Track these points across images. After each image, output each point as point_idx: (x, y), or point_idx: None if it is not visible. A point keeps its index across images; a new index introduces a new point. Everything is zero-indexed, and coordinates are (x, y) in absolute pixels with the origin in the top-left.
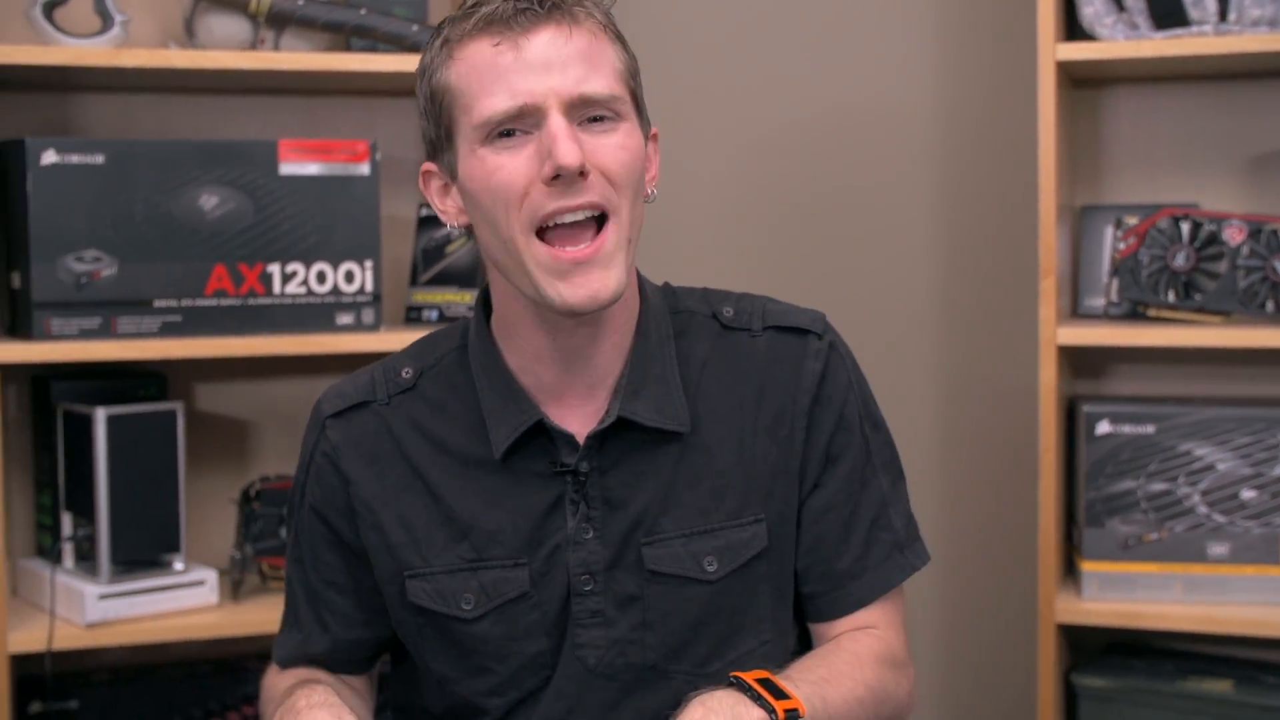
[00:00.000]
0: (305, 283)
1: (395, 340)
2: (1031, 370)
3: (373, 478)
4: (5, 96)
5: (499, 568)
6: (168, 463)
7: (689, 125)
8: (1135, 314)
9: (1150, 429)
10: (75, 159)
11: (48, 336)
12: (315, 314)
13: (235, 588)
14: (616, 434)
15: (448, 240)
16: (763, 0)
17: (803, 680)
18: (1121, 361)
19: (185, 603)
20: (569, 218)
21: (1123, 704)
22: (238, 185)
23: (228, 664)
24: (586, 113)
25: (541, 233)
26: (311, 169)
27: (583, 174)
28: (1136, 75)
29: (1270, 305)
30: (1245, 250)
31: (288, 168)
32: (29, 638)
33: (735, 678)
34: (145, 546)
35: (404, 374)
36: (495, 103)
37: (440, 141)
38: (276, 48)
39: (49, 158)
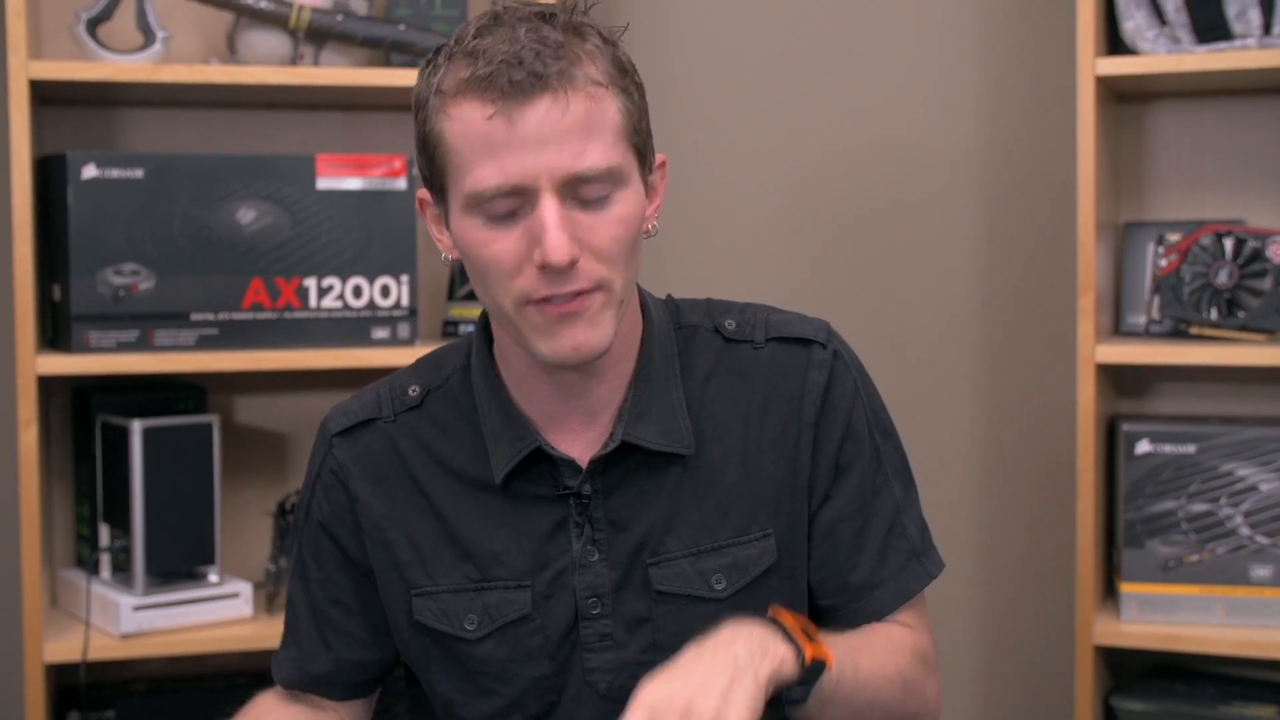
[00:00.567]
0: (341, 297)
1: None
2: (1071, 388)
3: (380, 496)
4: (50, 111)
5: (501, 589)
6: (203, 475)
7: (738, 152)
8: (1177, 332)
9: (1191, 448)
10: (115, 173)
11: (86, 349)
12: (351, 328)
13: (270, 600)
14: (620, 457)
15: None
16: (804, 17)
17: (838, 642)
18: (1165, 380)
19: (220, 615)
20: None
21: None
22: (275, 199)
23: (264, 676)
24: (581, 190)
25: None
26: (348, 184)
27: (573, 264)
28: (1181, 90)
29: None
30: None
31: (325, 182)
32: (65, 648)
33: (774, 617)
34: (180, 558)
35: (410, 392)
36: (486, 176)
37: (434, 183)
38: (316, 63)
39: (89, 172)
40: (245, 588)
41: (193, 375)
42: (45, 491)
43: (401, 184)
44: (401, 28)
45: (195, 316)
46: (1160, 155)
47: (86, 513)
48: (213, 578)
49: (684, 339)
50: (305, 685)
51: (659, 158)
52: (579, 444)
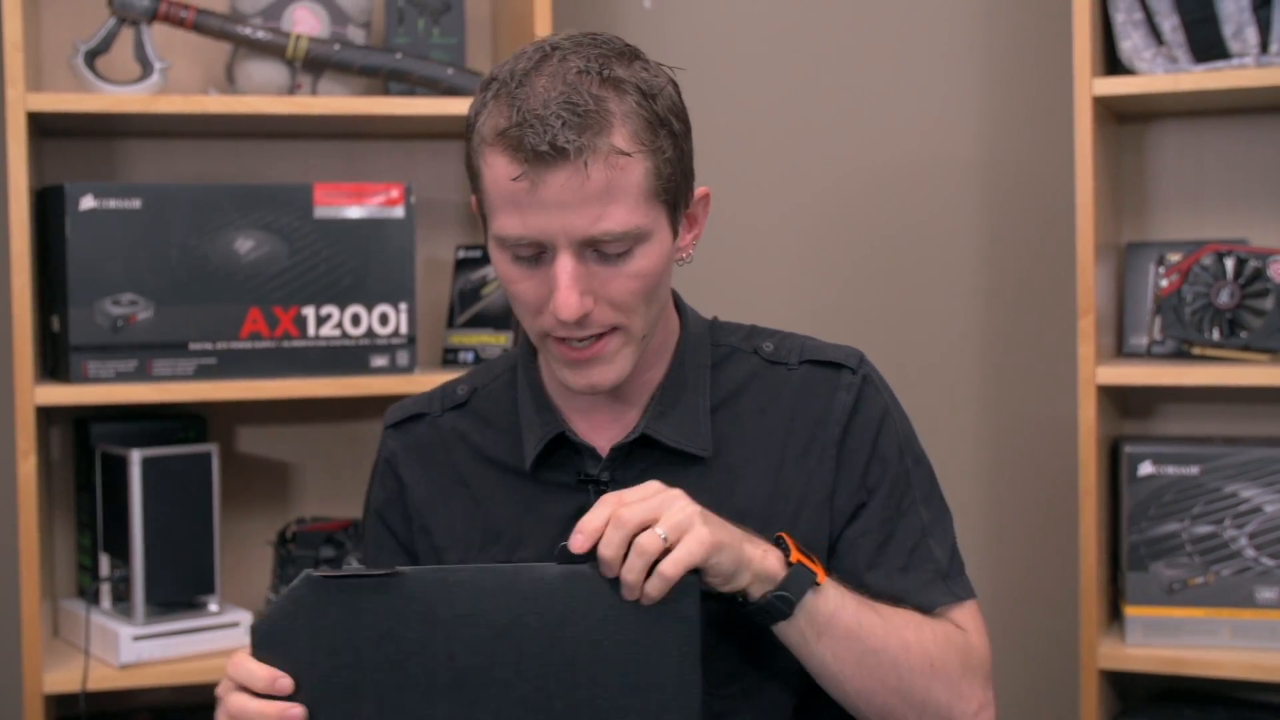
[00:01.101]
0: (340, 325)
1: (430, 382)
2: (1072, 410)
3: (425, 483)
4: (50, 143)
5: None
6: (203, 505)
7: (739, 176)
8: (1180, 352)
9: (1194, 470)
10: (113, 204)
11: (84, 379)
12: (350, 356)
13: None
14: (640, 451)
15: (484, 283)
16: (805, 39)
17: (843, 587)
18: (1168, 401)
19: (220, 644)
20: None
21: None
22: (273, 229)
23: None
24: (600, 246)
25: None
26: (346, 212)
27: (586, 314)
28: (1182, 110)
29: None
30: None
31: (322, 211)
32: (64, 678)
33: (779, 536)
34: (180, 588)
35: (460, 391)
36: (511, 225)
37: (479, 202)
38: (314, 92)
39: (87, 203)
40: (245, 617)
41: (191, 405)
42: (46, 522)
43: (399, 212)
44: (398, 56)
45: (194, 346)
46: (1162, 175)
47: (87, 543)
48: (213, 607)
49: (721, 355)
50: None
51: (700, 191)
52: (604, 435)
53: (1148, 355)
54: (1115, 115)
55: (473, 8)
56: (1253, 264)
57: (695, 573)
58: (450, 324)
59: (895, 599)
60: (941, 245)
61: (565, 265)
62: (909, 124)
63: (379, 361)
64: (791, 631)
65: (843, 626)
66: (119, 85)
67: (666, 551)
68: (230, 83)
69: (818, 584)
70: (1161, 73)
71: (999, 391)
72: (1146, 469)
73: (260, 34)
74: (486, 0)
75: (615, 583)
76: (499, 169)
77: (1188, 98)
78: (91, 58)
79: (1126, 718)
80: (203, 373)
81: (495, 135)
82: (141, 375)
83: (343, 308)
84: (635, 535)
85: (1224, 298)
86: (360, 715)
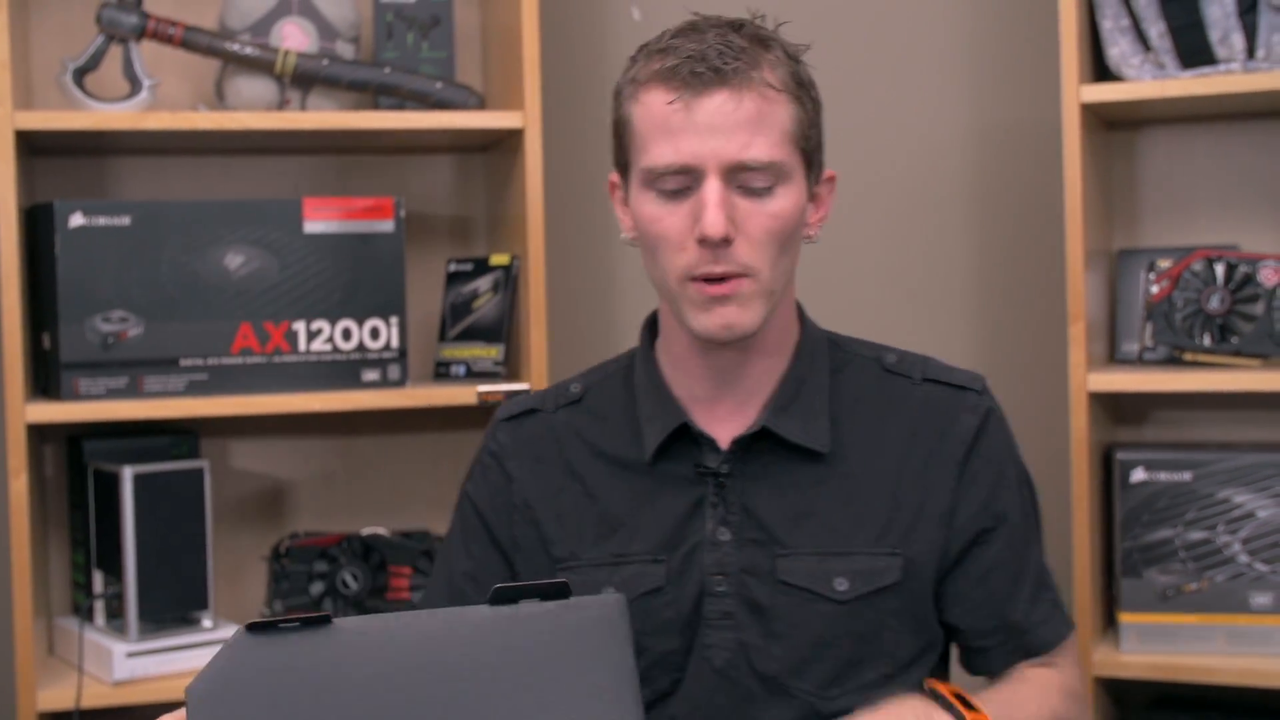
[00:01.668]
0: (330, 340)
1: (422, 397)
2: (1064, 417)
3: (535, 476)
4: (41, 161)
5: (639, 563)
6: (195, 521)
7: None
8: (1171, 359)
9: (1187, 476)
10: (102, 221)
11: (75, 396)
12: (341, 371)
13: None
14: (760, 445)
15: (475, 295)
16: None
17: (990, 700)
18: (1159, 407)
19: None
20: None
21: None
22: (262, 244)
23: None
24: (744, 178)
25: None
26: (336, 227)
27: (728, 241)
28: (1171, 116)
29: None
30: None
31: (312, 226)
32: (58, 695)
33: (929, 687)
34: (173, 604)
35: (573, 389)
36: (661, 154)
37: (621, 162)
38: (303, 107)
39: (76, 220)
40: None
41: (183, 421)
42: (40, 540)
43: (389, 226)
44: (387, 71)
45: (184, 362)
46: (1152, 181)
47: (81, 560)
48: (206, 623)
49: (841, 361)
50: None
51: (828, 173)
52: (725, 428)
53: (1139, 362)
54: (1105, 122)
55: (462, 22)
56: (1243, 269)
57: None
58: (442, 337)
59: (1023, 632)
60: (932, 252)
61: (713, 186)
62: (898, 131)
63: (370, 376)
64: None
65: None
66: (108, 103)
67: None
68: (219, 99)
69: None
70: (1149, 79)
71: None
72: (1139, 475)
73: (249, 50)
74: (475, 14)
75: (547, 622)
76: (653, 101)
77: (1176, 104)
78: (80, 75)
79: None
80: (194, 389)
81: (651, 74)
82: (133, 392)
83: (333, 322)
84: None
85: (1215, 303)
86: None
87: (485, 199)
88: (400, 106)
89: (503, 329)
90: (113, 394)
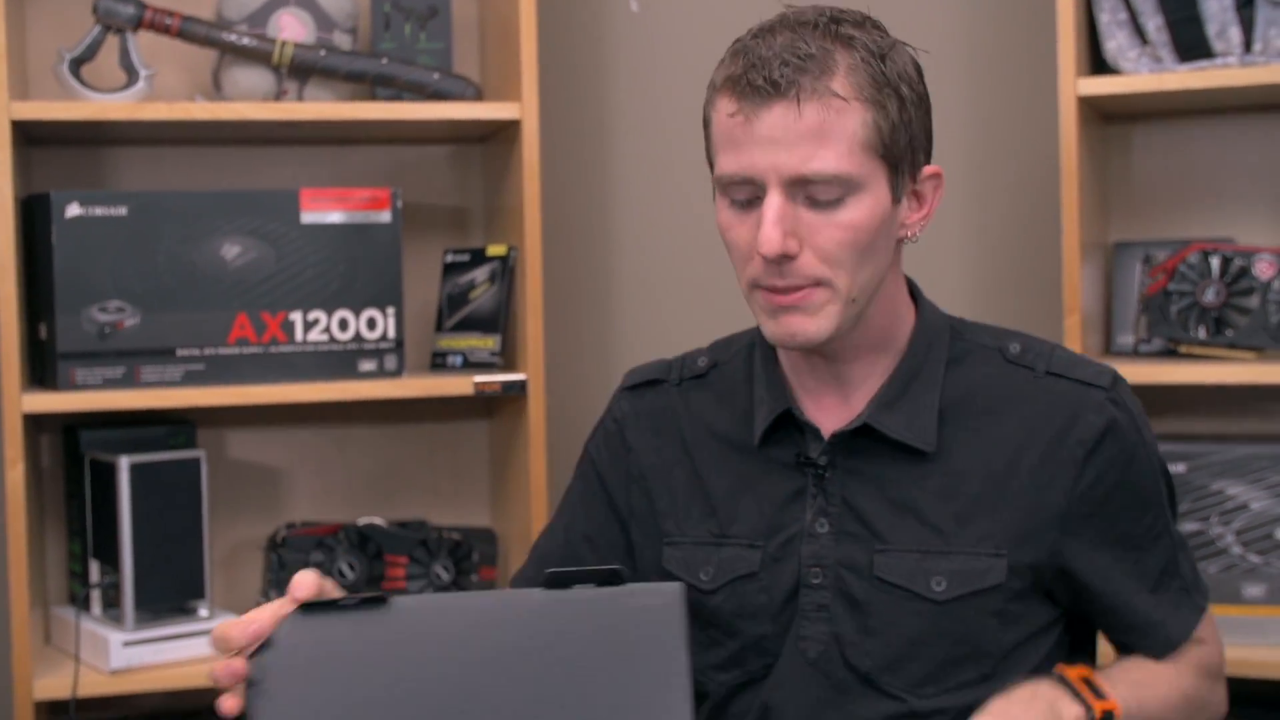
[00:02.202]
0: (327, 330)
1: (418, 387)
2: None
3: (653, 449)
4: (38, 151)
5: (737, 546)
6: (192, 510)
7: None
8: (1166, 351)
9: (1182, 468)
10: (99, 211)
11: (72, 386)
12: (337, 361)
13: None
14: (863, 440)
15: (472, 286)
16: None
17: (1120, 680)
18: (1155, 400)
19: (210, 650)
20: None
21: None
22: (259, 234)
23: None
24: (810, 190)
25: None
26: (333, 217)
27: (790, 256)
28: (1168, 109)
29: None
30: (1277, 285)
31: (309, 216)
32: (55, 684)
33: (1059, 673)
34: (170, 593)
35: (700, 363)
36: (727, 164)
37: (710, 160)
38: (300, 98)
39: (73, 210)
40: None
41: (180, 411)
42: (37, 529)
43: (386, 216)
44: (385, 61)
45: (181, 352)
46: (1148, 175)
47: (78, 549)
48: (203, 612)
49: (960, 351)
50: None
51: (930, 169)
52: (831, 419)
53: (1134, 354)
54: (1101, 115)
55: (459, 12)
56: (1238, 262)
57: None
58: (439, 328)
59: (1153, 626)
60: (927, 245)
61: (773, 202)
62: None
63: (367, 366)
64: None
65: None
66: (105, 93)
67: None
68: (216, 89)
69: (1115, 717)
70: (1146, 72)
71: None
72: None
73: (246, 40)
74: (473, 5)
75: (602, 608)
76: (722, 110)
77: (1172, 97)
78: (77, 65)
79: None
80: (191, 379)
81: (724, 80)
82: (129, 382)
83: (330, 312)
84: None
85: (1210, 296)
86: None
87: (482, 190)
88: (397, 97)
89: (499, 320)
90: (109, 384)
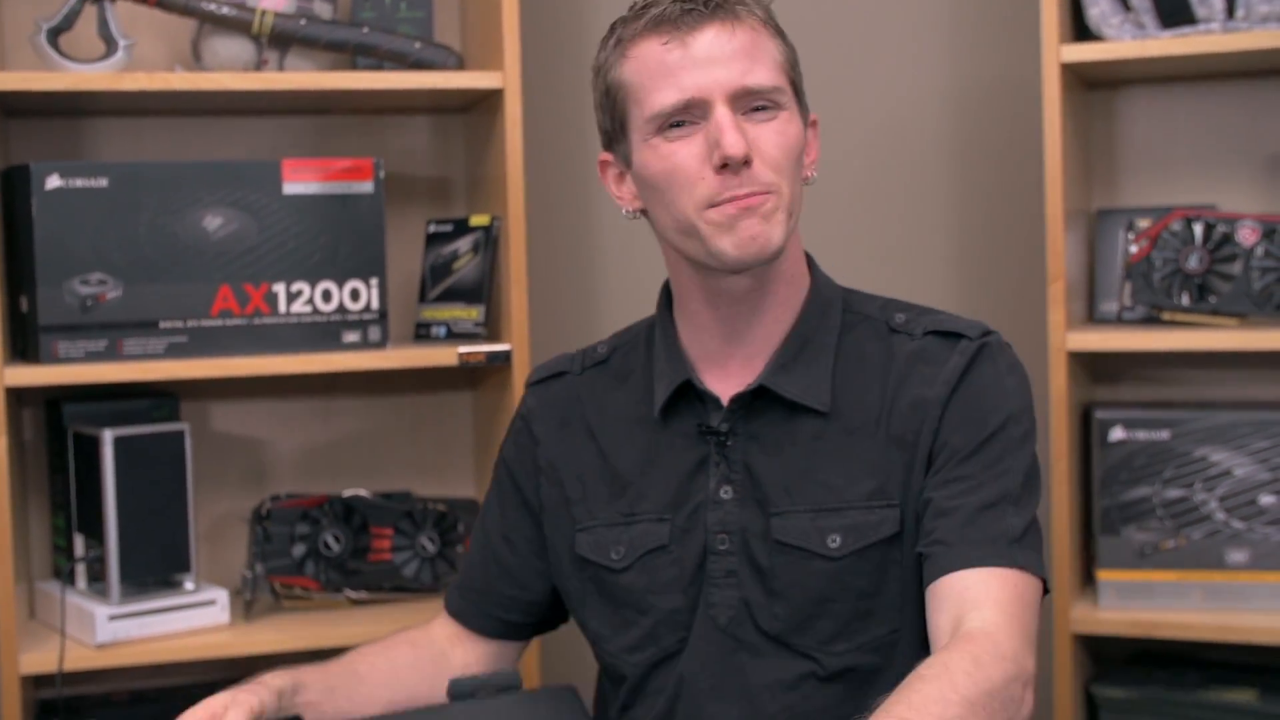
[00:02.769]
0: (310, 301)
1: (402, 358)
2: (1043, 377)
3: (559, 440)
4: (16, 123)
5: (646, 521)
6: (176, 483)
7: None
8: (1150, 318)
9: (1165, 435)
10: (79, 183)
11: (54, 359)
12: (321, 332)
13: (247, 607)
14: (761, 404)
15: (455, 256)
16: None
17: (888, 714)
18: (1137, 366)
19: (196, 622)
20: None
21: (1144, 714)
22: (241, 205)
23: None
24: (749, 103)
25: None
26: (315, 188)
27: (747, 162)
28: (1150, 76)
29: None
30: (1260, 251)
31: (291, 187)
32: (40, 659)
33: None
34: (155, 567)
35: (600, 350)
36: (665, 97)
37: (615, 133)
38: (280, 68)
39: (53, 182)
40: (222, 595)
41: (163, 383)
42: (21, 503)
43: (369, 186)
44: (365, 30)
45: (164, 325)
46: (1131, 141)
47: (62, 524)
48: (188, 585)
49: (851, 322)
50: (461, 612)
51: (811, 116)
52: (730, 385)
53: (1118, 321)
54: (1084, 82)
55: None
56: (1221, 229)
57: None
58: (422, 298)
59: (956, 543)
60: (910, 213)
61: (723, 112)
62: (877, 92)
63: (351, 337)
64: None
65: None
66: (83, 63)
67: None
68: (196, 59)
69: None
70: (1129, 39)
71: None
72: (1118, 434)
73: (225, 10)
74: None
75: (505, 713)
76: (647, 51)
77: (1155, 64)
78: (54, 35)
79: (1100, 681)
80: (174, 351)
81: (638, 29)
82: (112, 355)
83: (313, 284)
84: None
85: (1193, 263)
86: None
87: (464, 159)
88: (379, 67)
89: (483, 290)
90: (92, 357)
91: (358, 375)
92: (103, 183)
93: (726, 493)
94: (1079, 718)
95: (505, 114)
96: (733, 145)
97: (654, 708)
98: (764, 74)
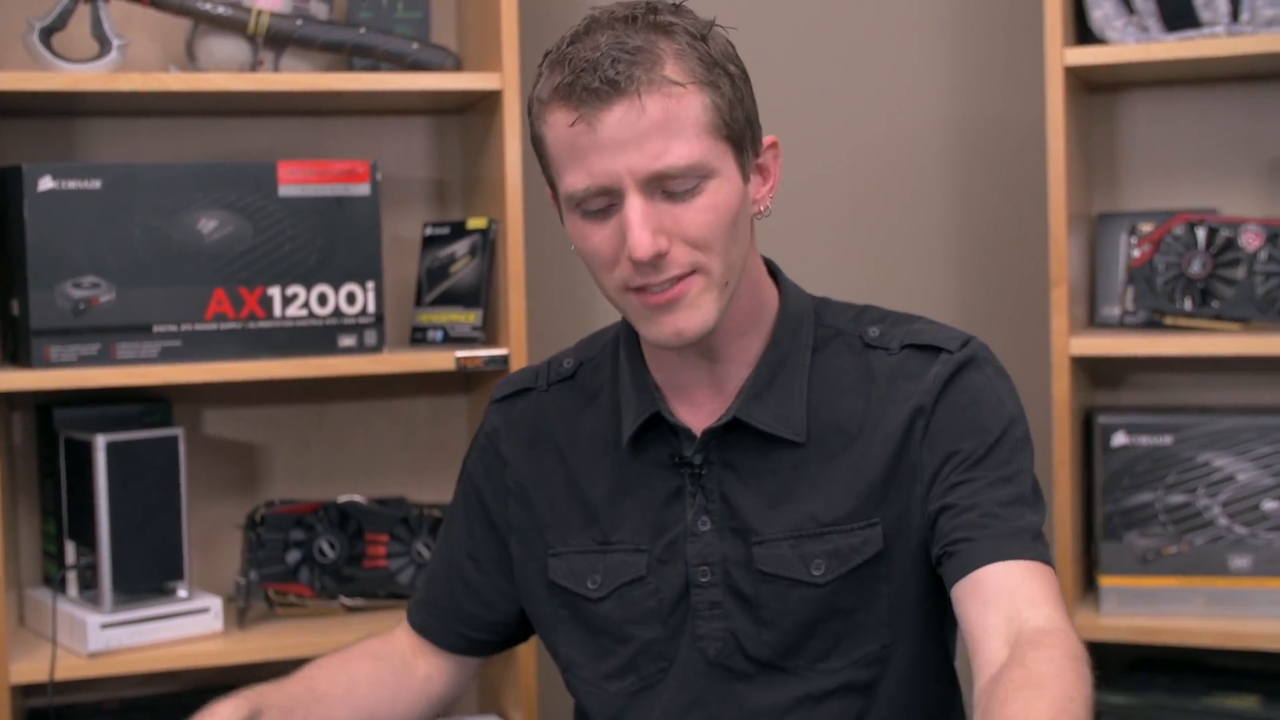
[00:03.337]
0: (306, 305)
1: (399, 362)
2: (1046, 382)
3: (528, 460)
4: (8, 123)
5: (622, 551)
6: (169, 489)
7: None
8: (1152, 322)
9: (1168, 440)
10: (72, 184)
11: (46, 364)
12: (317, 336)
13: (241, 615)
14: (735, 434)
15: (452, 259)
16: (775, 10)
17: None
18: (1139, 371)
19: (189, 630)
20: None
21: None
22: (236, 208)
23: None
24: (667, 184)
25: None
26: (311, 190)
27: (660, 256)
28: (1152, 79)
29: None
30: (1263, 255)
31: (287, 189)
32: (32, 668)
33: None
34: (148, 574)
35: (566, 364)
36: (576, 180)
37: (548, 179)
38: (276, 68)
39: (46, 184)
40: (215, 602)
41: (156, 388)
42: (10, 509)
43: (365, 189)
44: (362, 31)
45: (158, 328)
46: (1132, 145)
47: (53, 530)
48: (182, 593)
49: (823, 338)
50: (426, 628)
51: (768, 140)
52: (701, 416)
53: (1120, 326)
54: (1085, 85)
55: None
56: (1224, 233)
57: None
58: (418, 302)
59: (991, 515)
60: (913, 218)
61: (635, 205)
62: (880, 97)
63: (347, 341)
64: None
65: None
66: (76, 63)
67: None
68: (191, 60)
69: None
70: (1133, 42)
71: None
72: (1120, 439)
73: (221, 9)
74: None
75: None
76: (557, 123)
77: (1157, 67)
78: (47, 35)
79: (1101, 687)
80: (167, 355)
81: (551, 92)
82: (104, 359)
83: (309, 287)
84: None
85: (1196, 267)
86: None
87: (461, 161)
88: (375, 68)
89: (481, 293)
90: (84, 361)
91: (353, 380)
92: (96, 184)
93: (704, 524)
94: None
95: (504, 116)
96: (639, 248)
97: None
98: (681, 151)
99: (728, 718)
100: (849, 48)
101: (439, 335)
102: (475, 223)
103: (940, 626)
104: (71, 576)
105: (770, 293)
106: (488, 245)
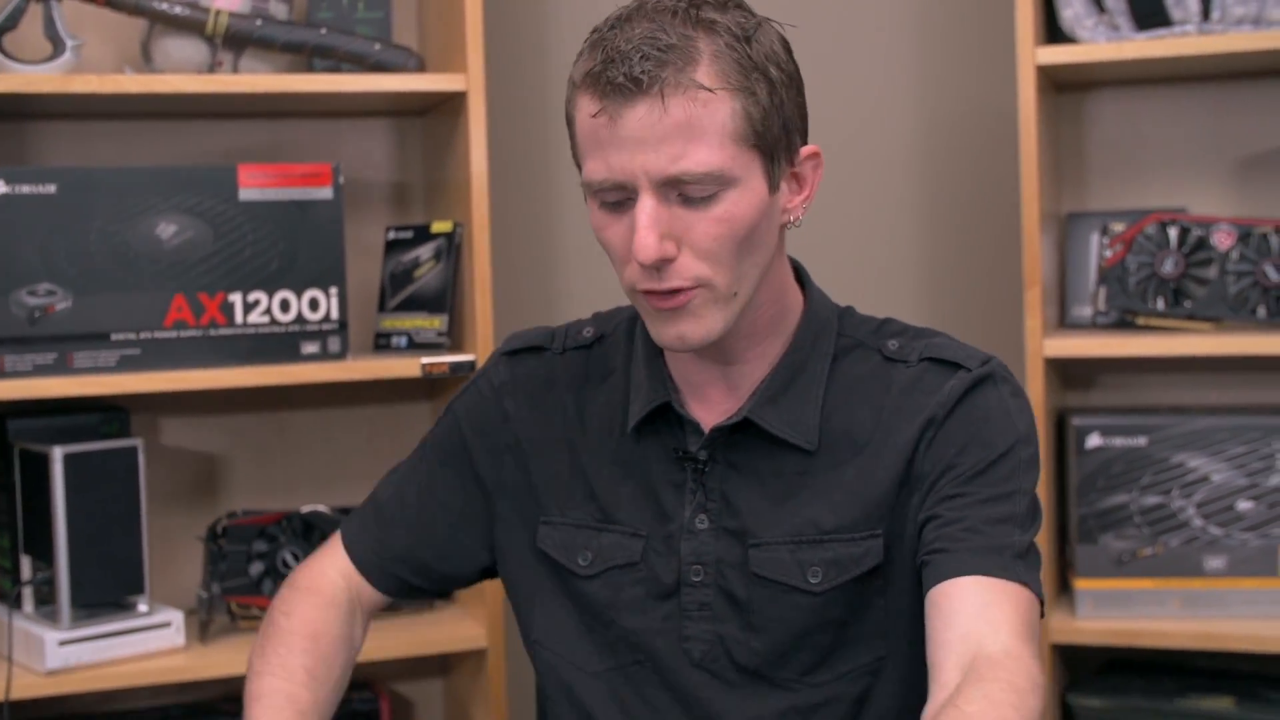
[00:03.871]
0: (268, 311)
1: (363, 369)
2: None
3: (532, 420)
4: None
5: (619, 533)
6: (129, 502)
7: None
8: (1124, 323)
9: (1142, 441)
10: (26, 189)
11: (1, 374)
12: (279, 343)
13: (203, 629)
14: (744, 435)
15: (416, 264)
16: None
17: None
18: (1111, 372)
19: (150, 646)
20: None
21: None
22: (196, 213)
23: (199, 707)
24: (683, 189)
25: None
26: (272, 194)
27: (666, 260)
28: (1121, 78)
29: (1261, 311)
30: (1234, 255)
31: (247, 193)
32: None
33: None
34: (107, 589)
35: (585, 333)
36: (595, 169)
37: (577, 163)
38: (235, 70)
39: None
40: (176, 616)
41: (114, 397)
42: None
43: (327, 193)
44: (323, 31)
45: (116, 336)
46: (1101, 144)
47: (7, 544)
48: (142, 607)
49: (844, 348)
50: (366, 565)
51: (808, 149)
52: (712, 412)
53: (1091, 326)
54: (1054, 84)
55: None
56: (1196, 233)
57: None
58: (382, 308)
59: (948, 553)
60: (884, 219)
61: (645, 206)
62: (850, 95)
63: (310, 348)
64: None
65: None
66: (29, 64)
67: None
68: (147, 61)
69: None
70: (1103, 41)
71: None
72: (1094, 441)
73: (178, 9)
74: None
75: None
76: (584, 110)
77: (1126, 66)
78: None
79: (1075, 690)
80: (126, 364)
81: (583, 77)
82: (61, 368)
83: (271, 293)
84: None
85: (1168, 267)
86: None
87: (423, 164)
88: (336, 69)
89: (446, 299)
90: (40, 370)
91: (315, 387)
92: (51, 189)
93: (702, 522)
94: None
95: (469, 118)
96: (644, 251)
97: None
98: (700, 157)
99: None
100: (819, 47)
101: (403, 341)
102: (440, 226)
103: None
104: (28, 592)
105: (795, 298)
106: (453, 250)
